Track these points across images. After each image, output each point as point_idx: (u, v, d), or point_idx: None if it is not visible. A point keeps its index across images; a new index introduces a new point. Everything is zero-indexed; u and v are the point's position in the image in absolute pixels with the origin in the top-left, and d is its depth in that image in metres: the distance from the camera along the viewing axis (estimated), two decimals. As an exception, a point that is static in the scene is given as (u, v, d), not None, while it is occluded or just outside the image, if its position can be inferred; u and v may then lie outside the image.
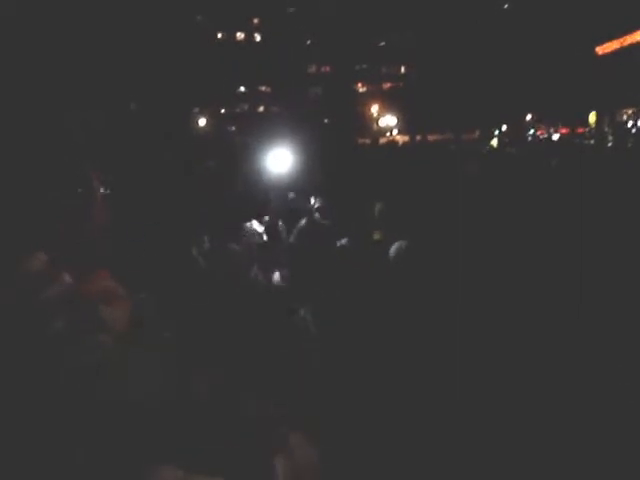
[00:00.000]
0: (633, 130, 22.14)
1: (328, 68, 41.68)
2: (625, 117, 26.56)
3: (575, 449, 2.43)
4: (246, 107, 40.41)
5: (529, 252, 4.14)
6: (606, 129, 22.50)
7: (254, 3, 39.67)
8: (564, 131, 27.67)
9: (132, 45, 24.98)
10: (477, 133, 23.83)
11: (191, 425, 1.51)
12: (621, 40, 28.10)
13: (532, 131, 29.37)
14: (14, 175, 1.50)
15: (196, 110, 34.73)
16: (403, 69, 42.77)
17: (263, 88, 41.12)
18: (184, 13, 33.56)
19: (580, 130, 25.87)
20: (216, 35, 40.03)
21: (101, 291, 1.43)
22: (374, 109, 38.36)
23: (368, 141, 20.15)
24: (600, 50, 29.32)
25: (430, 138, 20.05)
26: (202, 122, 33.86)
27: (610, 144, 14.56)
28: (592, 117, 26.72)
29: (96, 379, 1.34)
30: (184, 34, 31.93)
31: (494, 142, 15.44)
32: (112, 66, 21.89)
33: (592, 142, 16.78)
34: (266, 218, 5.46)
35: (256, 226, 5.35)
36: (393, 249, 4.36)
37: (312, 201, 6.34)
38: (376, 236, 4.78)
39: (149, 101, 24.44)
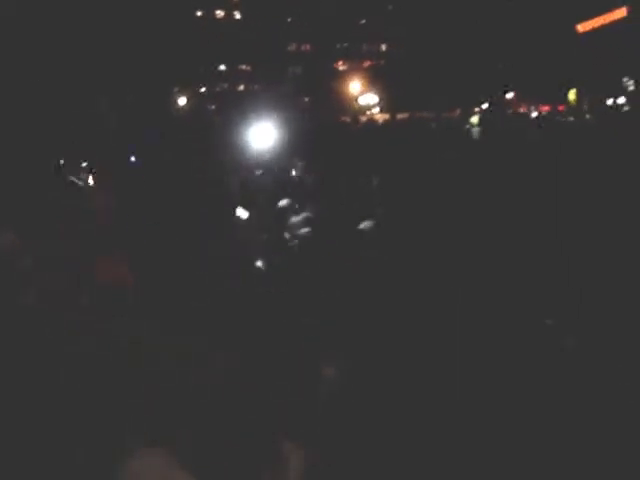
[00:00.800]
0: (612, 107, 22.25)
1: (309, 46, 41.29)
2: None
3: (575, 448, 2.40)
4: (226, 86, 39.94)
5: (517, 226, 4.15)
6: (585, 107, 22.60)
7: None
8: (545, 109, 27.75)
9: (109, 25, 24.57)
10: (458, 111, 23.83)
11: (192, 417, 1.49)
12: (602, 18, 28.16)
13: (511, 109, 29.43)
14: (14, 174, 1.48)
15: (176, 89, 34.30)
16: (384, 47, 42.49)
17: (243, 66, 40.65)
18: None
19: (561, 108, 25.96)
20: (195, 13, 39.41)
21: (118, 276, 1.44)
22: (354, 87, 38.12)
23: (348, 119, 20.07)
24: (581, 28, 29.36)
25: (411, 116, 20.01)
26: (182, 101, 33.46)
27: (586, 121, 14.68)
28: (572, 95, 26.81)
29: (113, 358, 1.34)
30: (162, 12, 31.41)
31: (474, 120, 15.46)
32: (89, 47, 21.54)
33: (571, 119, 16.89)
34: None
35: (242, 213, 5.11)
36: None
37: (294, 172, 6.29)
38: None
39: (128, 82, 24.08)
